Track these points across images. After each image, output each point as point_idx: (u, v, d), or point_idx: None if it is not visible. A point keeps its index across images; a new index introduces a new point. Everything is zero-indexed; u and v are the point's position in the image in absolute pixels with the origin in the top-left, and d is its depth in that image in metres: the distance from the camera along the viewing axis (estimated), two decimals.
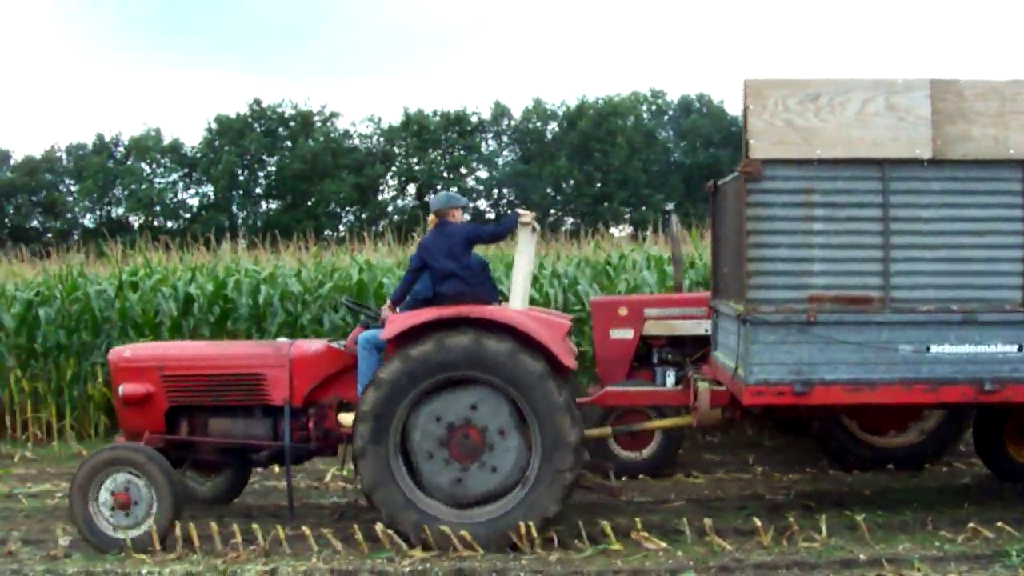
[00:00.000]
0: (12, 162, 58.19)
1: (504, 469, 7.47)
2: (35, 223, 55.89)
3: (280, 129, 60.73)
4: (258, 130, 59.98)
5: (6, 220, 55.50)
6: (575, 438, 7.35)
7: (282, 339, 8.97)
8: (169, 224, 56.60)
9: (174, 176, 60.50)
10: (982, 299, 7.35)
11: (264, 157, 60.20)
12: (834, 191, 7.38)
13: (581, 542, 7.45)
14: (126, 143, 60.85)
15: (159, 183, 59.62)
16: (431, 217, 8.13)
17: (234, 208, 59.99)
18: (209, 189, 60.44)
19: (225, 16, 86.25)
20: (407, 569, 7.04)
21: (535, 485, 7.40)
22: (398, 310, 8.00)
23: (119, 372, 8.34)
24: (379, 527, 7.46)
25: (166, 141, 60.39)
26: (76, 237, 47.20)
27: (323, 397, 8.13)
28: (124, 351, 8.61)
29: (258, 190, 61.19)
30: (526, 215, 7.85)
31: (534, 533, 7.35)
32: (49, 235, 50.47)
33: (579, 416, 7.52)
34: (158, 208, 58.31)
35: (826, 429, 9.72)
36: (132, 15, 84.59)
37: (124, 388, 8.19)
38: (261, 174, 60.99)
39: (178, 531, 7.57)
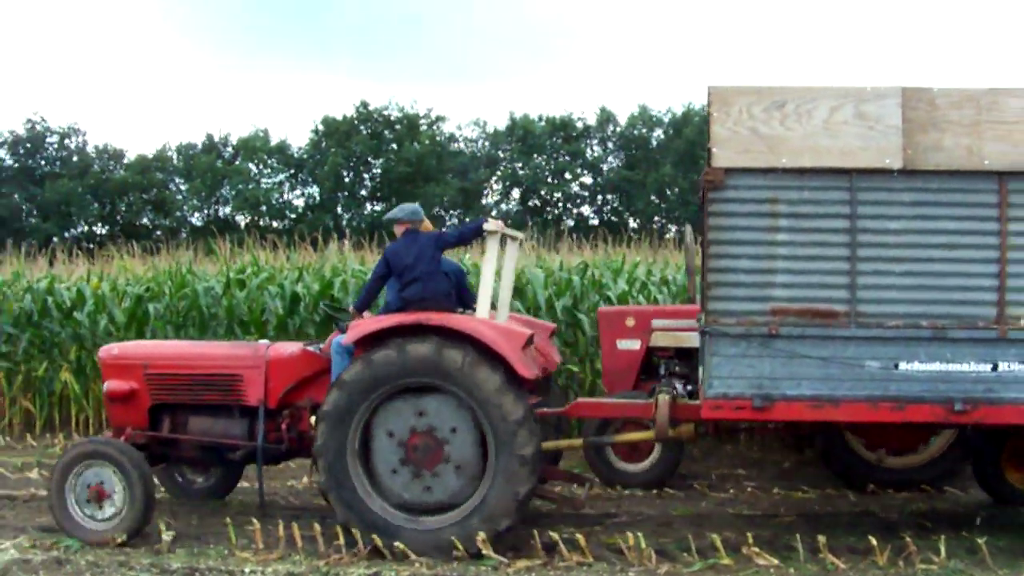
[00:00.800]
0: (125, 161, 60.95)
1: (459, 479, 7.61)
2: (146, 220, 58.21)
3: (386, 132, 61.96)
4: (364, 132, 61.31)
5: (119, 217, 58.08)
6: (529, 452, 7.41)
7: (263, 341, 9.31)
8: (275, 224, 58.27)
9: (280, 177, 62.37)
10: (954, 315, 7.19)
11: (369, 159, 61.53)
12: (800, 201, 7.33)
13: (690, 555, 7.41)
14: (234, 143, 63.03)
15: (266, 183, 61.53)
16: (398, 227, 8.35)
17: (339, 209, 61.46)
18: (315, 190, 62.13)
19: (333, 19, 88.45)
20: None
21: (488, 496, 7.50)
22: (367, 315, 8.25)
23: (106, 369, 8.80)
24: (481, 536, 7.40)
25: (273, 142, 62.27)
26: (185, 235, 49.06)
27: (298, 399, 8.40)
28: (112, 349, 9.07)
29: (363, 192, 62.59)
30: (492, 223, 8.00)
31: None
32: (159, 232, 52.60)
33: (538, 429, 7.56)
34: (264, 208, 60.12)
35: (828, 446, 9.62)
36: (243, 17, 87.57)
37: (109, 384, 8.65)
38: (366, 176, 62.42)
39: (281, 531, 7.77)
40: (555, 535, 7.58)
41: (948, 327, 7.19)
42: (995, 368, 7.14)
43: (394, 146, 61.18)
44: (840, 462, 9.67)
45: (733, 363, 7.37)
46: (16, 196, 55.50)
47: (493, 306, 8.54)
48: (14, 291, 14.48)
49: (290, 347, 8.66)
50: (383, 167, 60.94)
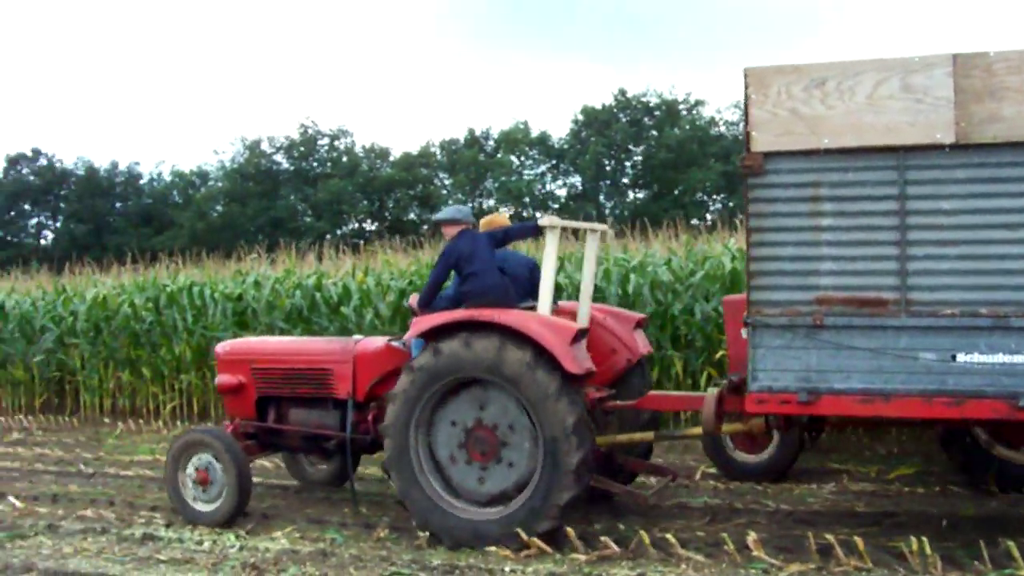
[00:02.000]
0: (391, 159, 64.60)
1: (510, 476, 7.82)
2: (412, 215, 61.42)
3: (645, 119, 62.23)
4: (623, 120, 61.83)
5: (387, 213, 61.65)
6: (575, 461, 7.45)
7: (356, 336, 9.94)
8: (538, 215, 59.95)
9: (542, 168, 64.04)
10: (1017, 301, 6.72)
11: (630, 147, 62.02)
12: (844, 183, 7.06)
13: (981, 563, 6.90)
14: (495, 137, 65.30)
15: (528, 175, 63.38)
16: (451, 227, 8.69)
17: (601, 198, 62.37)
18: (576, 180, 63.37)
19: (589, 7, 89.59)
20: None
21: (532, 496, 7.65)
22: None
23: (220, 364, 9.70)
24: (752, 536, 7.30)
25: (534, 134, 64.03)
26: None
27: (383, 392, 8.91)
28: (225, 345, 9.96)
29: (625, 180, 63.16)
30: (548, 219, 8.18)
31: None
32: (425, 227, 55.50)
33: (587, 433, 7.58)
34: (527, 199, 61.92)
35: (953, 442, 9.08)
36: (501, 10, 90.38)
37: (220, 378, 9.55)
38: (627, 164, 62.93)
39: (522, 533, 7.66)
40: (830, 537, 7.21)
41: (1011, 315, 6.70)
42: None
43: (654, 132, 61.33)
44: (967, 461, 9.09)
45: (778, 355, 7.21)
46: (292, 197, 60.18)
47: (562, 299, 8.76)
48: (286, 288, 15.50)
49: (376, 342, 9.19)
50: (644, 154, 61.31)
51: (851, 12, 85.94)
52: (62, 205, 63.69)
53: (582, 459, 7.52)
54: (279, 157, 63.96)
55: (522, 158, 63.76)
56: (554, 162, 63.58)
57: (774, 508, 8.87)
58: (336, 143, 65.00)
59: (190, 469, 8.98)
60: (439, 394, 8.00)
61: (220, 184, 63.30)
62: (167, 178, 67.03)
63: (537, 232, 8.51)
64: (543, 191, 63.23)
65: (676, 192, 59.10)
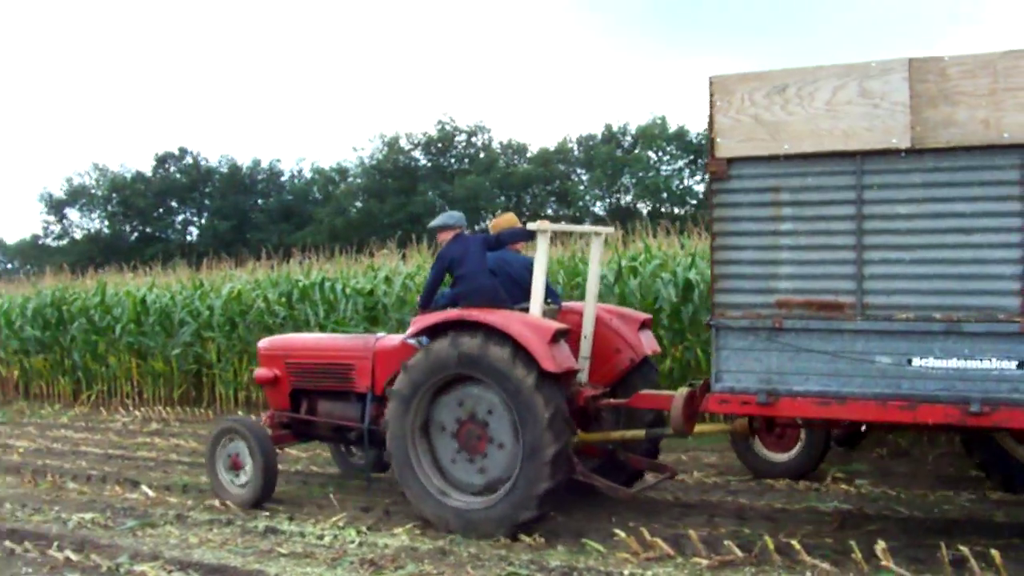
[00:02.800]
0: (528, 154, 65.46)
1: (496, 467, 8.31)
2: (549, 211, 62.11)
3: None
4: None
5: (524, 209, 62.50)
6: (551, 453, 7.85)
7: (379, 333, 10.53)
8: (676, 210, 59.83)
9: (680, 163, 63.79)
10: (971, 307, 6.80)
11: None
12: (803, 188, 7.25)
13: None
14: (633, 132, 65.33)
15: (665, 170, 63.23)
16: (445, 233, 9.20)
17: None
18: None
19: (727, 3, 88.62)
20: None
21: (513, 488, 8.10)
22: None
23: (260, 358, 10.50)
24: (881, 544, 7.00)
25: (672, 129, 63.82)
26: (587, 223, 52.08)
27: None
28: (265, 341, 10.76)
29: None
30: (539, 224, 8.59)
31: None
32: (562, 222, 56.15)
33: (564, 428, 7.96)
34: (665, 195, 61.84)
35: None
36: (639, 4, 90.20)
37: (258, 371, 10.37)
38: None
39: (646, 533, 7.77)
40: (965, 549, 6.82)
41: (964, 320, 6.79)
42: (1020, 366, 6.67)
43: None
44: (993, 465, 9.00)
45: (740, 357, 7.46)
46: (430, 193, 61.64)
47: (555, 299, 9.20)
48: (416, 283, 15.75)
49: (395, 339, 9.78)
50: None
51: None
52: (206, 202, 66.89)
53: (557, 453, 7.91)
54: (417, 153, 65.58)
55: (660, 153, 63.60)
56: (692, 157, 63.20)
57: (907, 515, 8.64)
58: (473, 139, 66.31)
59: (224, 455, 9.83)
60: (434, 389, 8.53)
61: (359, 180, 65.31)
62: (307, 175, 69.66)
63: (529, 236, 8.93)
64: (681, 187, 62.97)
65: None
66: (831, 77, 7.12)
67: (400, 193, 61.53)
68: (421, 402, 8.55)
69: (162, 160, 66.99)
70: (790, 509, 8.94)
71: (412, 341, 9.40)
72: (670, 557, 7.40)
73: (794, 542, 7.31)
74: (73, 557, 7.93)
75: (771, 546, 7.24)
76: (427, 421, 8.62)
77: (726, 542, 7.44)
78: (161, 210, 66.07)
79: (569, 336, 8.50)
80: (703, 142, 61.97)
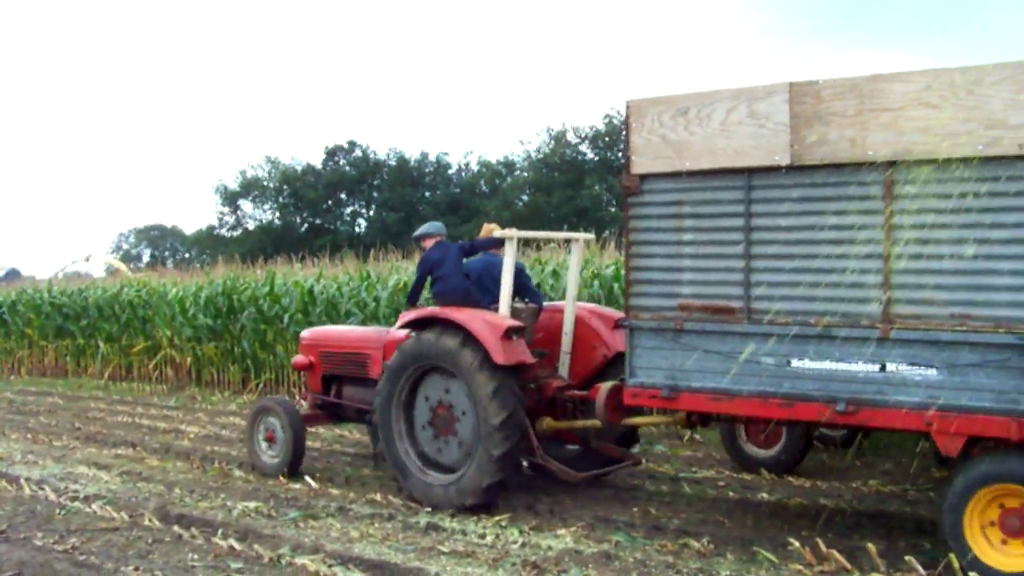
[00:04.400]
0: None
1: (462, 447, 9.45)
2: None
3: None
4: None
5: None
6: (498, 420, 8.90)
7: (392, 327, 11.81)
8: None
9: None
10: (840, 313, 7.50)
11: None
12: (701, 202, 8.07)
13: None
14: None
15: None
16: (427, 240, 10.41)
17: None
18: None
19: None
20: None
21: (475, 459, 9.23)
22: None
23: (300, 347, 11.97)
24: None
25: None
26: None
27: None
28: (307, 331, 12.24)
29: None
30: (506, 231, 9.67)
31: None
32: None
33: (512, 403, 8.99)
34: None
35: None
36: (802, 10, 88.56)
37: (296, 359, 11.89)
38: None
39: (821, 544, 7.61)
40: None
41: (835, 325, 7.49)
42: (883, 369, 7.32)
43: None
44: None
45: (650, 355, 8.35)
46: (597, 187, 62.61)
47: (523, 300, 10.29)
48: (584, 277, 15.60)
49: (401, 332, 11.07)
50: None
51: None
52: (375, 194, 69.71)
53: (505, 419, 8.98)
54: (584, 147, 66.58)
55: None
56: None
57: None
58: None
59: (261, 429, 11.35)
60: (415, 375, 9.72)
61: (526, 174, 66.81)
62: (474, 168, 71.63)
63: (498, 243, 10.04)
64: None
65: None
66: (725, 100, 7.91)
67: (567, 187, 62.57)
68: (404, 385, 9.75)
69: (332, 153, 70.11)
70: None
71: (399, 334, 10.70)
72: (846, 571, 7.22)
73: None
74: (236, 546, 8.21)
75: (956, 564, 6.93)
76: (411, 403, 9.82)
77: (907, 557, 7.20)
78: (330, 202, 69.20)
79: (524, 333, 9.54)
80: None
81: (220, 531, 8.67)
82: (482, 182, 69.54)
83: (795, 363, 7.60)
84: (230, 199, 70.83)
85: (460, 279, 10.02)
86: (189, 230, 79.07)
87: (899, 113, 7.13)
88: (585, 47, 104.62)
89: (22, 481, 11.02)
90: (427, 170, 70.92)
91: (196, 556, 8.03)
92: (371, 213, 69.28)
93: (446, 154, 72.27)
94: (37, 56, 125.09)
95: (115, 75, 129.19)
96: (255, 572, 7.64)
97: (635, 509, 9.29)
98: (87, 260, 38.37)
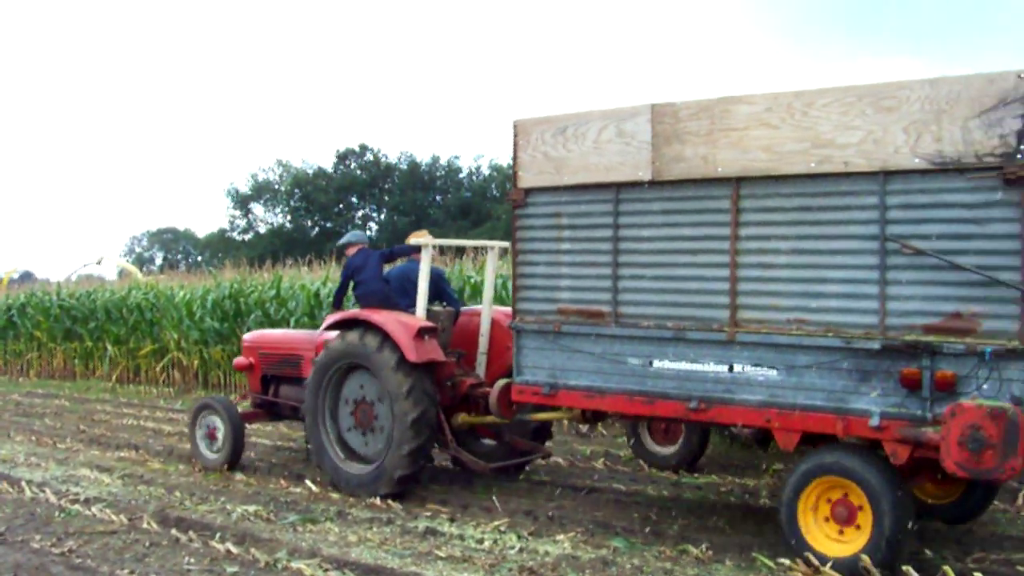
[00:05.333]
0: None
1: (380, 439, 10.16)
2: None
3: None
4: None
5: None
6: (411, 418, 9.62)
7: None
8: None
9: None
10: (694, 318, 8.16)
11: None
12: (577, 214, 8.75)
13: None
14: None
15: None
16: (350, 248, 11.15)
17: None
18: None
19: (917, 4, 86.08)
20: None
21: (381, 463, 9.97)
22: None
23: (242, 349, 12.71)
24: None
25: None
26: None
27: None
28: (248, 334, 12.97)
29: None
30: (421, 239, 10.40)
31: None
32: None
33: (425, 400, 9.70)
34: None
35: None
36: (817, 5, 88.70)
37: (237, 360, 12.65)
38: None
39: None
40: None
41: (688, 329, 8.19)
42: (731, 369, 7.99)
43: None
44: None
45: (534, 355, 9.04)
46: None
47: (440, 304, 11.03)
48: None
49: (332, 334, 11.83)
50: None
51: None
52: (386, 198, 70.62)
53: (417, 416, 9.69)
54: None
55: None
56: None
57: None
58: None
59: (203, 426, 12.08)
60: (339, 373, 10.45)
61: None
62: (485, 172, 72.39)
63: (415, 249, 10.77)
64: None
65: None
66: (598, 119, 8.59)
67: None
68: (329, 382, 10.49)
69: (343, 157, 71.04)
70: (978, 532, 8.63)
71: (326, 335, 11.47)
72: None
73: (981, 569, 7.30)
74: (233, 550, 8.23)
75: (951, 573, 7.08)
76: (336, 398, 10.56)
77: (904, 567, 7.23)
78: (341, 205, 70.14)
79: (436, 334, 10.25)
80: None
81: (218, 535, 8.73)
82: (493, 186, 70.21)
83: (656, 363, 8.25)
84: (242, 202, 71.85)
85: (379, 284, 10.75)
86: (201, 233, 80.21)
87: (744, 133, 7.74)
88: (596, 51, 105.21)
89: (23, 483, 11.16)
90: (438, 174, 71.72)
91: (193, 560, 8.10)
92: (382, 217, 70.12)
93: (457, 158, 73.15)
94: (53, 61, 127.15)
95: (129, 80, 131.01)
96: None
97: (635, 515, 9.32)
98: (99, 263, 38.93)
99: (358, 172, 70.43)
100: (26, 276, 44.20)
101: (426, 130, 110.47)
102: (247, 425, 12.33)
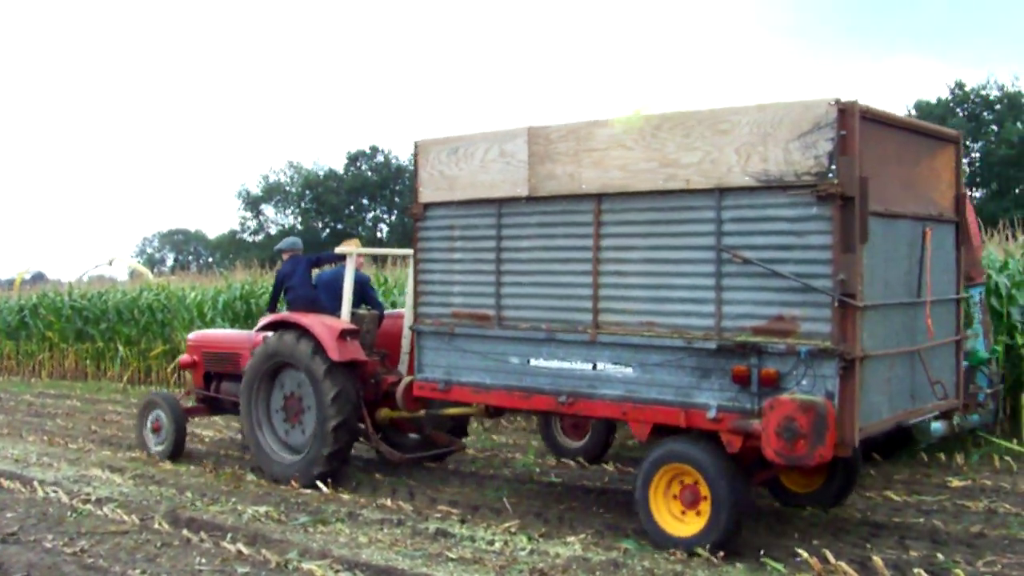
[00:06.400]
0: None
1: (305, 432, 11.14)
2: None
3: (984, 113, 60.15)
4: (960, 115, 60.15)
5: None
6: (333, 424, 10.57)
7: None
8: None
9: None
10: (564, 320, 9.05)
11: (967, 143, 60.23)
12: (466, 226, 9.64)
13: None
14: None
15: None
16: (285, 254, 12.15)
17: None
18: None
19: (922, 2, 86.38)
20: None
21: (307, 454, 10.95)
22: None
23: (187, 349, 13.72)
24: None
25: None
26: None
27: None
28: (191, 334, 13.96)
29: None
30: (345, 247, 11.44)
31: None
32: None
33: (346, 404, 10.61)
34: None
35: None
36: (825, 3, 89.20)
37: (182, 358, 13.66)
38: (965, 161, 61.03)
39: (830, 555, 7.71)
40: None
41: (558, 331, 9.09)
42: (594, 367, 8.88)
43: (994, 128, 59.24)
44: None
45: (433, 354, 9.97)
46: None
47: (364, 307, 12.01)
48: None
49: (262, 334, 12.82)
50: (982, 150, 59.36)
51: None
52: (397, 199, 71.69)
53: (339, 423, 10.62)
54: None
55: None
56: None
57: None
58: None
59: (149, 420, 13.07)
60: (271, 370, 11.41)
61: None
62: None
63: (339, 257, 11.77)
64: None
65: (1016, 191, 56.83)
66: (484, 141, 9.51)
67: None
68: (262, 379, 11.48)
69: (354, 158, 72.00)
70: (989, 535, 8.53)
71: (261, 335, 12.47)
72: None
73: (992, 573, 7.32)
74: (244, 550, 8.27)
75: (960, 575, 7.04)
76: (268, 394, 11.53)
77: (916, 569, 7.26)
78: (352, 207, 71.25)
79: (358, 335, 11.20)
80: None
81: (229, 535, 8.79)
82: None
83: (532, 362, 9.16)
84: (253, 204, 72.95)
85: (307, 288, 11.73)
86: (212, 234, 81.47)
87: (604, 153, 8.63)
88: (607, 52, 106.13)
89: (36, 483, 11.31)
90: None
91: (203, 560, 8.16)
92: (392, 218, 71.10)
93: None
94: (65, 64, 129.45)
95: (141, 81, 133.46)
96: None
97: None
98: (110, 264, 39.77)
99: (369, 174, 71.34)
100: (38, 277, 44.99)
101: (437, 132, 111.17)
102: (189, 419, 13.28)
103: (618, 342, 8.61)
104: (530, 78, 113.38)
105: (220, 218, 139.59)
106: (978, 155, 59.10)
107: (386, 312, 12.26)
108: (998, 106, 58.93)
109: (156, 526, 9.29)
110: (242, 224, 73.84)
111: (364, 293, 12.10)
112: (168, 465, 12.56)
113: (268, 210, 73.35)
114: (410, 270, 11.87)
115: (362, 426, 11.14)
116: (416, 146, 9.86)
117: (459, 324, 9.63)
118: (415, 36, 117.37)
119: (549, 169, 8.94)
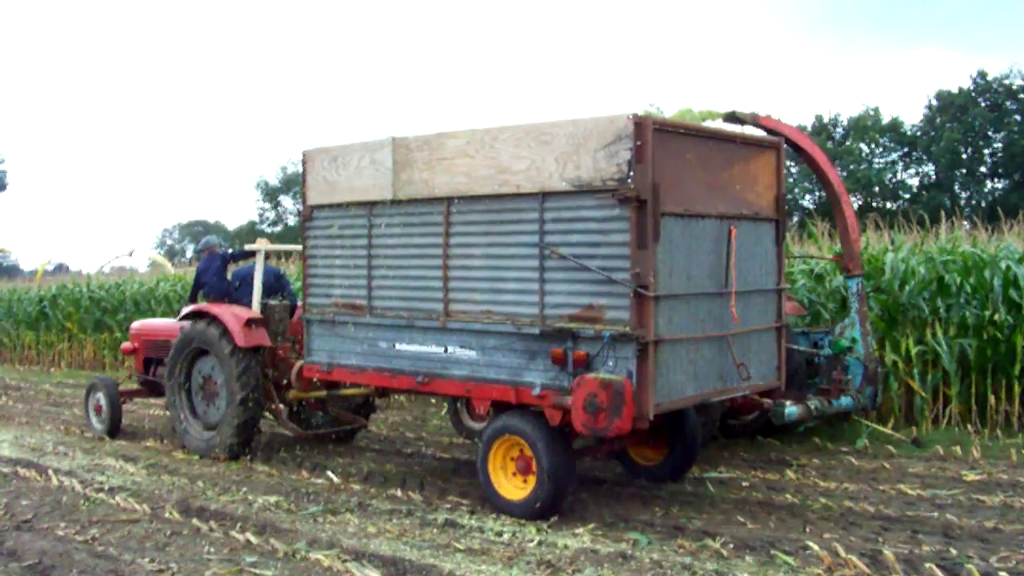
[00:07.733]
0: None
1: (220, 410, 12.53)
2: None
3: (1007, 103, 60.17)
4: (983, 105, 60.27)
5: None
6: (240, 397, 11.95)
7: None
8: (888, 205, 60.25)
9: (893, 156, 63.78)
10: (422, 309, 10.22)
11: (989, 133, 60.38)
12: (344, 226, 10.84)
13: None
14: (845, 124, 65.76)
15: (878, 163, 63.39)
16: (204, 252, 13.51)
17: (956, 187, 61.25)
18: (929, 168, 62.60)
19: None
20: None
21: (224, 425, 12.31)
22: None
23: (129, 336, 15.19)
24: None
25: (885, 120, 63.85)
26: (795, 216, 53.84)
27: None
28: (134, 323, 15.43)
29: (982, 168, 61.36)
30: (256, 245, 12.77)
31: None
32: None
33: (250, 381, 11.97)
34: (877, 189, 62.18)
35: None
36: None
37: (123, 345, 15.09)
38: (987, 151, 61.23)
39: (840, 549, 7.61)
40: None
41: (417, 318, 10.25)
42: (445, 351, 10.05)
43: (1016, 118, 59.29)
44: None
45: (319, 339, 11.21)
46: None
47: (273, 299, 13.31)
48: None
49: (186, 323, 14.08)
50: (1004, 140, 59.44)
51: None
52: None
53: (244, 399, 11.97)
54: None
55: (872, 145, 63.74)
56: (906, 150, 63.04)
57: None
58: None
59: (92, 401, 14.51)
60: (190, 355, 12.78)
61: None
62: None
63: (250, 253, 13.09)
64: (894, 180, 62.98)
65: None
66: (359, 150, 10.70)
67: None
68: (183, 362, 12.85)
69: None
70: (1004, 530, 8.41)
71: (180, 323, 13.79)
72: None
73: (1006, 569, 7.16)
74: (253, 540, 8.34)
75: (975, 573, 6.94)
76: (188, 375, 12.89)
77: (927, 564, 7.16)
78: None
79: (265, 323, 12.50)
80: (918, 134, 61.96)
81: (239, 525, 8.93)
82: None
83: (398, 346, 10.35)
84: (271, 195, 74.04)
85: (222, 282, 13.08)
86: (231, 225, 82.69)
87: (452, 161, 9.78)
88: (619, 51, 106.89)
89: (51, 472, 11.55)
90: None
91: (212, 549, 8.23)
92: None
93: None
94: (88, 58, 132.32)
95: (162, 75, 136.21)
96: (269, 566, 7.72)
97: (656, 509, 9.38)
98: (131, 255, 40.47)
99: None
100: (59, 268, 45.96)
101: (453, 123, 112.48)
102: (126, 401, 14.77)
103: (464, 328, 9.74)
104: (545, 74, 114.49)
105: (239, 209, 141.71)
106: (1000, 145, 58.99)
107: (299, 303, 13.45)
108: (1021, 95, 58.69)
109: (167, 515, 9.44)
110: (261, 215, 75.08)
111: (279, 286, 13.37)
112: (181, 455, 12.81)
113: (287, 201, 74.57)
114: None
115: (274, 406, 12.33)
116: (304, 155, 11.10)
117: (339, 313, 10.82)
118: (433, 28, 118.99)
119: (409, 175, 10.11)
